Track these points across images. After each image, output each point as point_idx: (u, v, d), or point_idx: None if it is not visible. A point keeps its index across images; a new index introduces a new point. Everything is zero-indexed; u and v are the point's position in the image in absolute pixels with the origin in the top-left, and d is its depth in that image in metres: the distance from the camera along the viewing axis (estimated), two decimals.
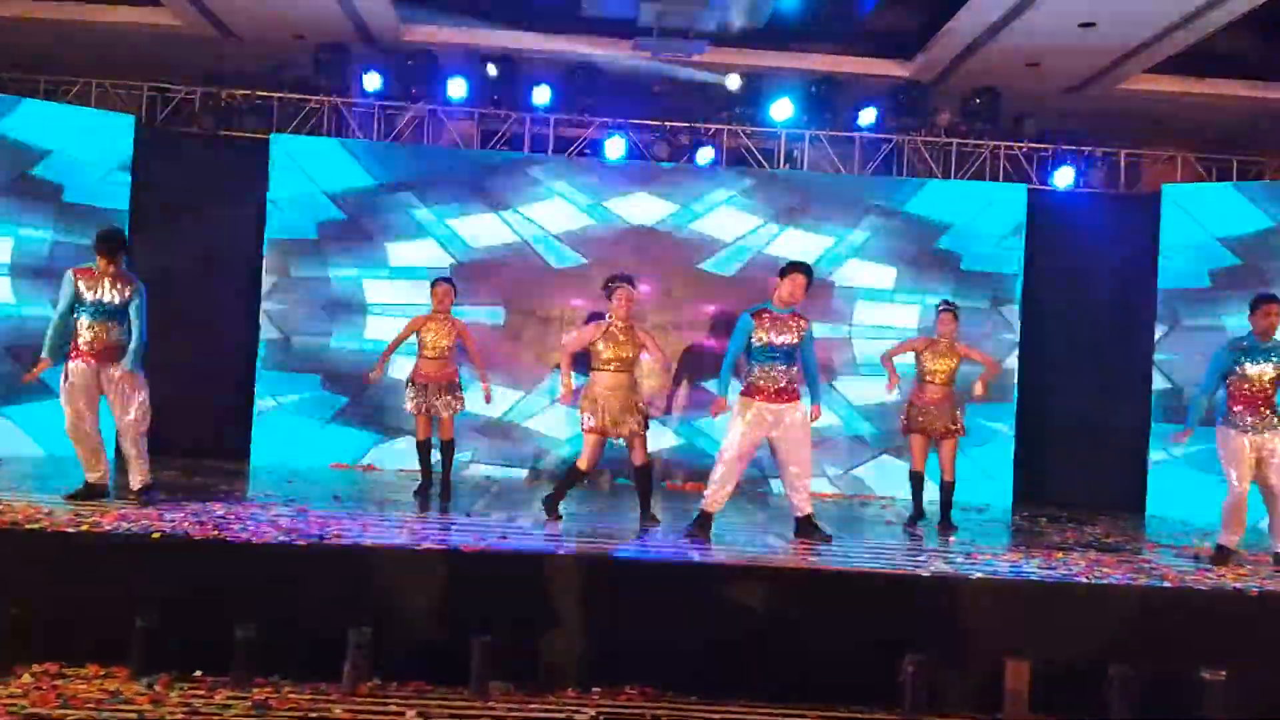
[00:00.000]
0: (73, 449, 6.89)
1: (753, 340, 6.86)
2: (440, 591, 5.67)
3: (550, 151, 10.54)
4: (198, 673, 5.34)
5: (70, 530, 5.78)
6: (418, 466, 8.36)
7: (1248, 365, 6.82)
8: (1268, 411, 6.81)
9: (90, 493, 6.86)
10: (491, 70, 10.45)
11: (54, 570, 5.59)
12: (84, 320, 6.79)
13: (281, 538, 5.93)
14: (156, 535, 5.78)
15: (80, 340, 6.80)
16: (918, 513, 8.16)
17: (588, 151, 10.62)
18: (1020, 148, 10.77)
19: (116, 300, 6.81)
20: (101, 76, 10.23)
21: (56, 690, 5.07)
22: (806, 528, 6.97)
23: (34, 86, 10.12)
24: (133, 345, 6.83)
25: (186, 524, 6.12)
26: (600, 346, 7.20)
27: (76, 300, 6.80)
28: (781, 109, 10.57)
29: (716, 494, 6.93)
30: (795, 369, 6.92)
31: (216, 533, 5.94)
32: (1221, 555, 6.90)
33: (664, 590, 5.76)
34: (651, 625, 5.61)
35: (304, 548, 5.80)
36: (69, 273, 6.86)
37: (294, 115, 10.44)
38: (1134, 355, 10.11)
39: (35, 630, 5.43)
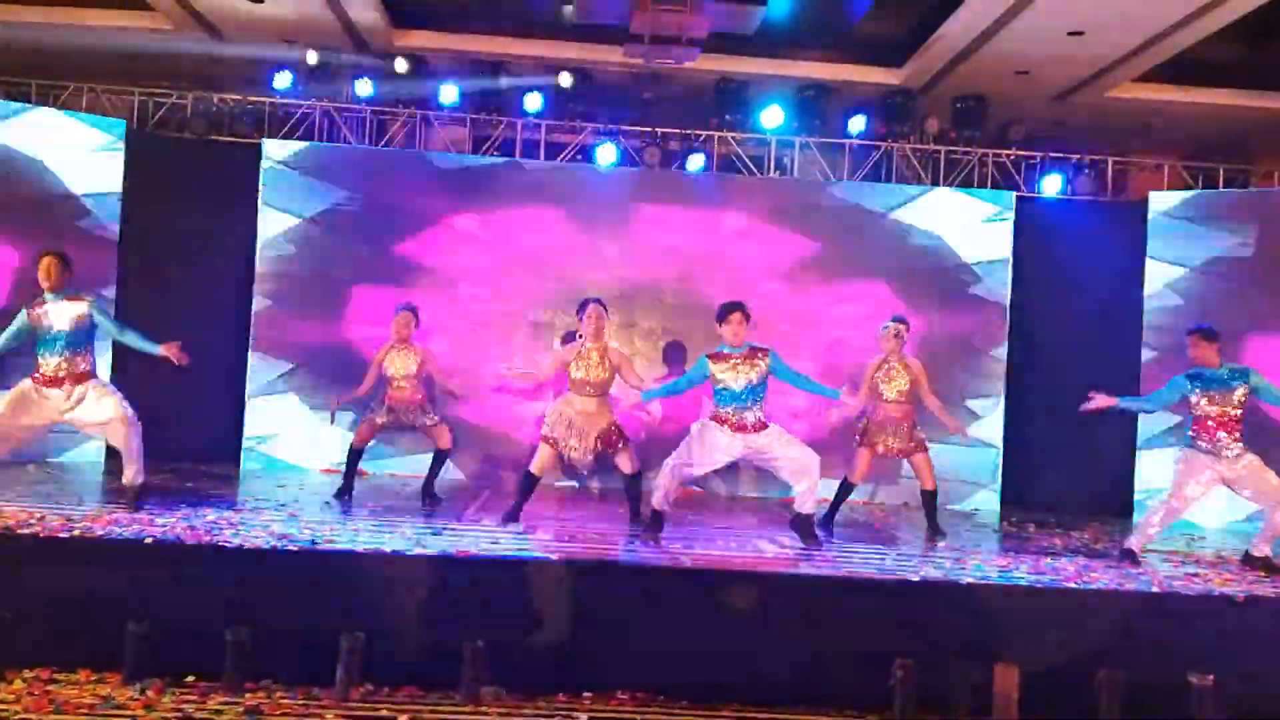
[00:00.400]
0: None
1: (715, 380, 6.82)
2: (432, 596, 5.68)
3: (541, 158, 10.57)
4: (190, 678, 5.34)
5: (63, 535, 5.78)
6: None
7: (1203, 395, 6.90)
8: (1231, 438, 6.86)
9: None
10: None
11: (46, 575, 5.59)
12: (45, 354, 6.64)
13: (273, 543, 5.93)
14: (149, 540, 5.78)
15: (42, 370, 6.65)
16: (830, 515, 8.04)
17: (579, 158, 10.66)
18: (1008, 155, 10.85)
19: (71, 325, 6.66)
20: (93, 81, 10.24)
21: (49, 695, 5.07)
22: (799, 525, 6.98)
23: (25, 91, 10.12)
24: (136, 340, 6.77)
25: (179, 529, 6.13)
26: (573, 369, 7.25)
27: (34, 334, 6.66)
28: (771, 116, 10.62)
29: (659, 496, 6.92)
30: (761, 406, 6.82)
31: (208, 538, 5.94)
32: (1129, 556, 6.99)
33: (655, 595, 5.78)
34: (643, 630, 5.64)
35: (296, 553, 5.81)
36: (22, 310, 6.73)
37: (285, 120, 10.46)
38: (1122, 361, 10.16)
39: (27, 635, 5.42)
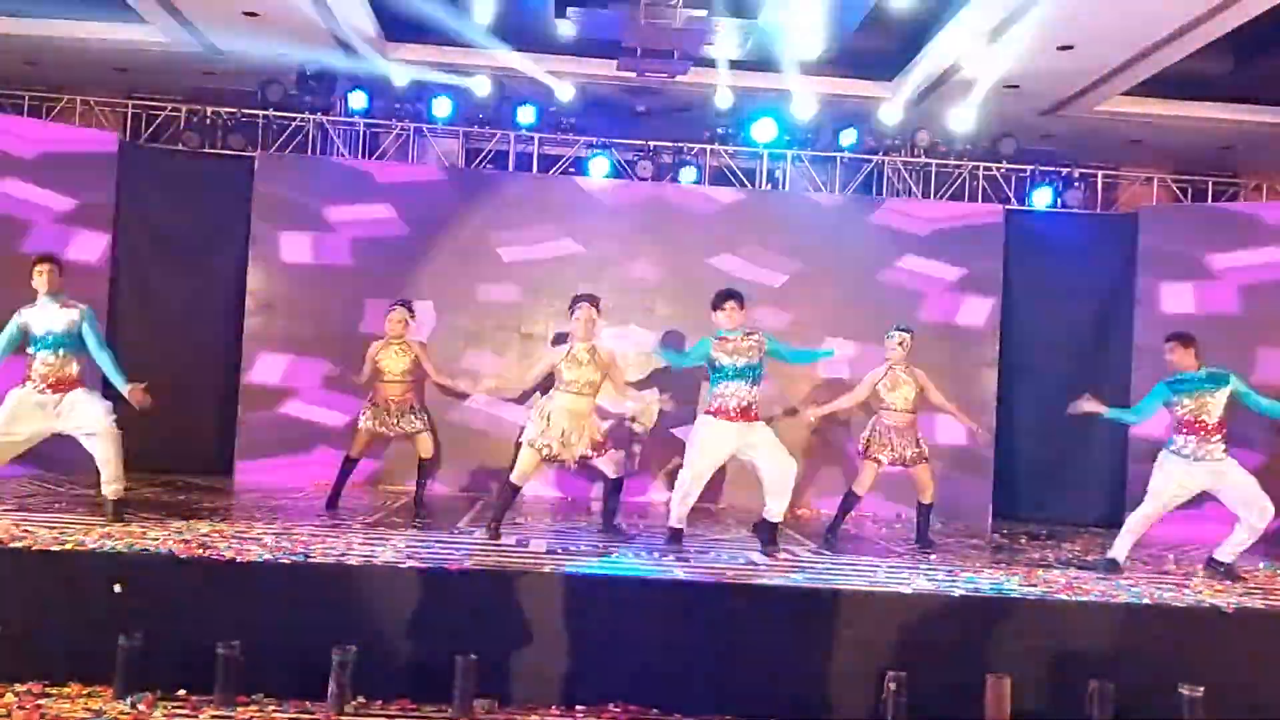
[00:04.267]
0: None
1: (714, 361, 7.09)
2: (424, 609, 5.67)
3: (534, 171, 10.59)
4: (182, 691, 5.32)
5: (54, 549, 5.77)
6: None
7: (1185, 398, 6.95)
8: (1213, 441, 6.91)
9: None
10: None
11: (37, 589, 5.57)
12: (40, 354, 6.72)
13: (266, 555, 5.93)
14: (142, 553, 5.77)
15: (35, 373, 6.72)
16: (834, 527, 8.09)
17: (571, 171, 10.69)
18: (999, 168, 10.90)
19: (63, 327, 6.75)
20: (86, 93, 10.25)
21: (40, 710, 5.05)
22: (763, 529, 7.17)
23: (19, 102, 10.13)
24: (110, 364, 6.82)
25: (170, 542, 6.12)
26: (563, 368, 7.14)
27: (28, 337, 6.73)
28: (764, 129, 10.66)
29: (679, 510, 7.22)
30: (757, 389, 7.11)
31: (201, 550, 5.93)
32: (1113, 566, 7.09)
33: (648, 607, 5.78)
34: (635, 642, 5.63)
35: (288, 566, 5.80)
36: (15, 314, 6.79)
37: (279, 133, 10.47)
38: (1112, 374, 10.19)
39: (18, 649, 5.40)
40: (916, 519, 8.11)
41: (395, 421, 8.10)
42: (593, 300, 7.30)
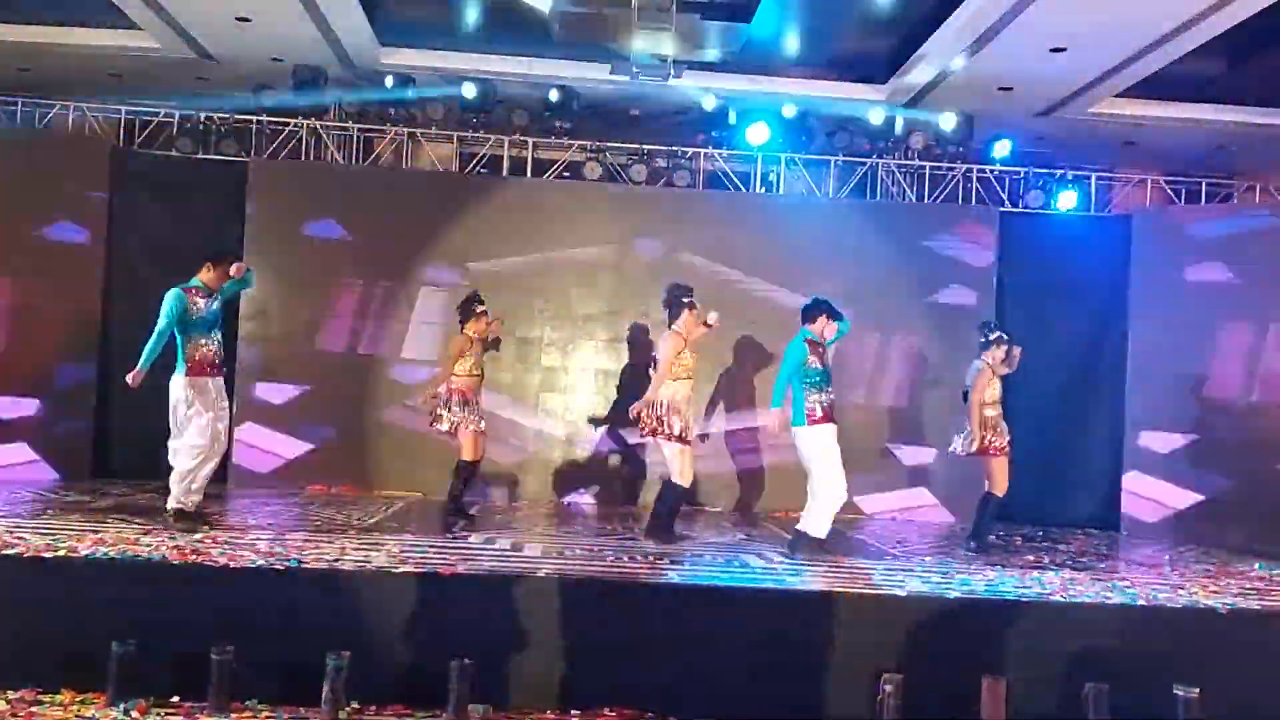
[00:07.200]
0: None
1: (809, 365, 7.07)
2: (418, 614, 5.66)
3: (528, 175, 10.58)
4: (175, 698, 5.31)
5: (46, 555, 5.76)
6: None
7: None
8: None
9: (204, 519, 7.03)
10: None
11: (30, 595, 5.56)
12: (197, 337, 6.89)
13: (259, 561, 5.91)
14: (134, 559, 5.76)
15: (198, 356, 6.88)
16: (984, 532, 7.98)
17: (566, 175, 10.69)
18: (992, 170, 10.90)
19: (215, 311, 7.02)
20: (79, 99, 10.24)
21: (32, 716, 5.04)
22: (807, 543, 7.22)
23: (12, 108, 10.12)
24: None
25: (164, 548, 6.11)
26: (686, 355, 7.18)
27: (185, 317, 6.86)
28: (757, 133, 10.66)
29: (827, 527, 7.18)
30: None
31: (194, 556, 5.92)
32: None
33: (643, 611, 5.78)
34: (631, 647, 5.63)
35: (281, 571, 5.79)
36: (177, 290, 6.92)
37: (272, 138, 10.46)
38: (1107, 375, 10.20)
39: (11, 656, 5.39)
40: (982, 510, 7.98)
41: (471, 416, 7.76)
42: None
